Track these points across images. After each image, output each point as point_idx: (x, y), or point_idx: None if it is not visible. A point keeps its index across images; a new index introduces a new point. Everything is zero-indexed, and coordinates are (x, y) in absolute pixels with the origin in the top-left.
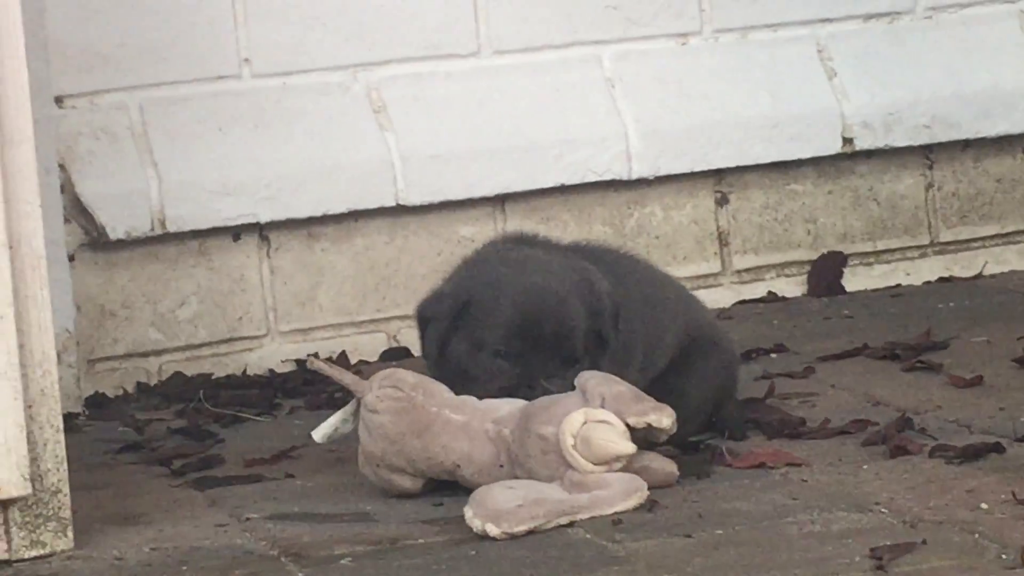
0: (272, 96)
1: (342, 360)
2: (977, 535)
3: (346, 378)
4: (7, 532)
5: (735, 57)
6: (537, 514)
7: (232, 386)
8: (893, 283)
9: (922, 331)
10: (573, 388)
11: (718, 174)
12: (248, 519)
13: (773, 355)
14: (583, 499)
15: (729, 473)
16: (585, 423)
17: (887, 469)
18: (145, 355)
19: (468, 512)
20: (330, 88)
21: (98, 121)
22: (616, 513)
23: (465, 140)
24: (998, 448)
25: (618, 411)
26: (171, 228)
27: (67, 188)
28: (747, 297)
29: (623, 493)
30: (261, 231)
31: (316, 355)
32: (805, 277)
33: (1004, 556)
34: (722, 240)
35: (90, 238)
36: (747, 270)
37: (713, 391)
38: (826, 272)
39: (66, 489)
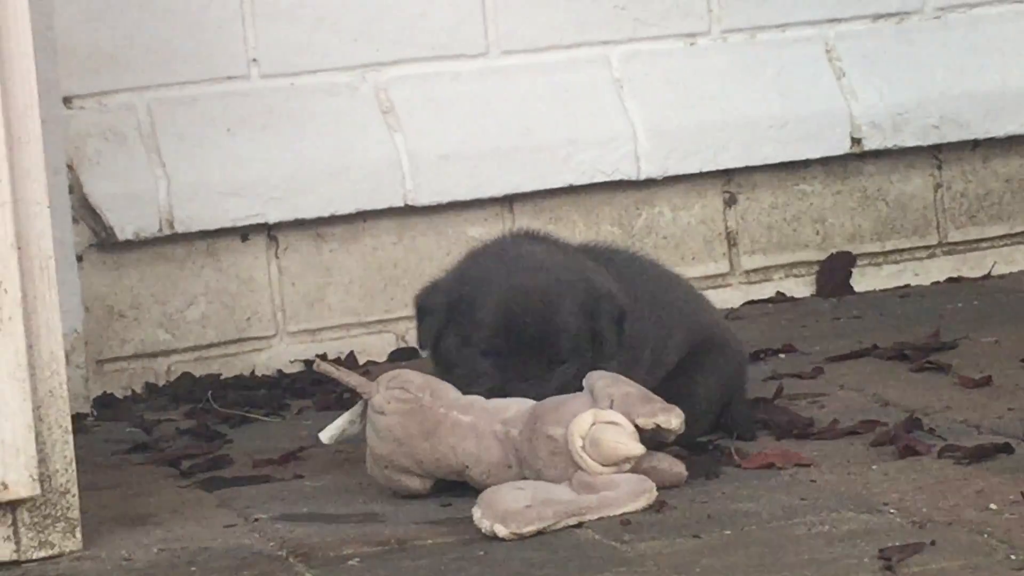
0: (280, 96)
1: (350, 360)
2: (986, 536)
3: (353, 380)
4: (16, 533)
5: (743, 57)
6: (546, 515)
7: (240, 387)
8: (902, 283)
9: (931, 331)
10: (554, 391)
11: (726, 174)
12: (257, 520)
13: (782, 355)
14: (592, 500)
15: (738, 474)
16: (594, 424)
17: (896, 470)
18: (153, 356)
19: (476, 512)
20: (338, 88)
21: (106, 122)
22: (625, 514)
23: (473, 140)
24: (1007, 449)
25: (627, 412)
26: (179, 229)
27: (75, 189)
28: (756, 297)
29: (632, 494)
30: (269, 231)
31: (324, 356)
32: (814, 277)
33: (1013, 557)
34: (731, 240)
35: (98, 239)
36: (756, 270)
37: (721, 391)
38: (835, 272)
39: (74, 490)
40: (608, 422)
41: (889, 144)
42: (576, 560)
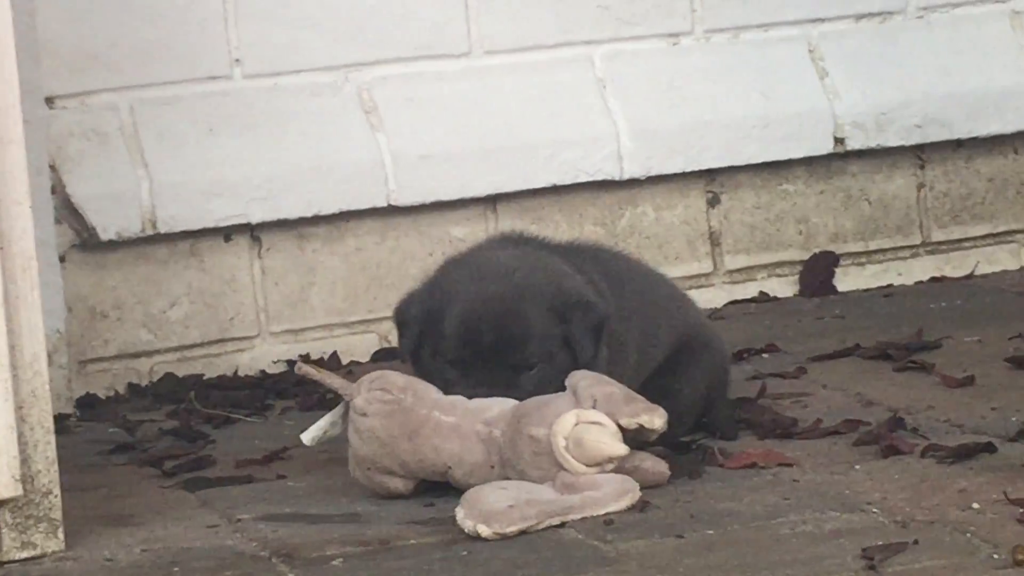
0: (263, 97)
1: (334, 361)
2: (969, 535)
3: (334, 381)
4: None
5: (726, 57)
6: (528, 515)
7: (223, 387)
8: (885, 283)
9: (914, 331)
10: (518, 398)
11: (709, 174)
12: (239, 520)
13: (765, 355)
14: (575, 500)
15: (721, 473)
16: (577, 424)
17: (879, 469)
18: (136, 356)
19: (460, 513)
20: (321, 88)
21: (89, 122)
22: (608, 514)
23: (456, 140)
24: (990, 448)
25: (610, 412)
26: (162, 229)
27: (58, 189)
28: (739, 297)
29: (615, 494)
30: (252, 232)
31: (307, 356)
32: (797, 277)
33: (995, 556)
34: (714, 240)
35: (81, 239)
36: (739, 270)
37: (705, 391)
38: (818, 272)
39: (57, 490)
40: (591, 422)
41: (872, 144)
42: (559, 560)
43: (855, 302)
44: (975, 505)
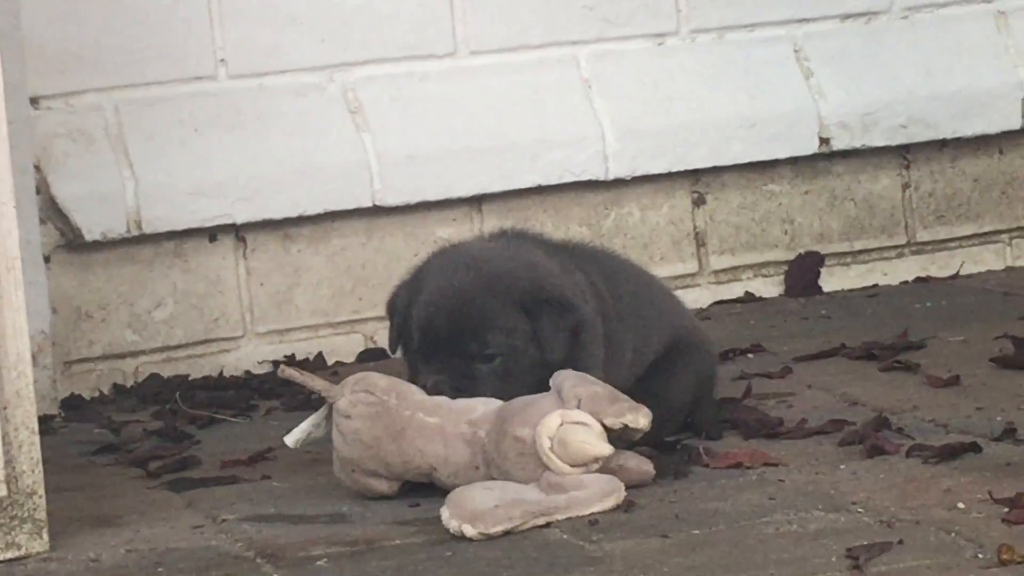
0: (248, 97)
1: (319, 361)
2: (954, 535)
3: (317, 384)
4: None
5: (712, 57)
6: (514, 515)
7: (208, 387)
8: (870, 283)
9: (899, 331)
10: (482, 387)
11: (695, 174)
12: (224, 520)
13: (750, 355)
14: (560, 500)
15: (706, 473)
16: (562, 425)
17: (864, 469)
18: (121, 356)
19: (445, 513)
20: (306, 89)
21: (74, 122)
22: (593, 514)
23: (442, 141)
24: (975, 448)
25: (594, 412)
26: (147, 229)
27: (42, 189)
28: (724, 297)
29: (600, 494)
30: (237, 232)
31: (292, 357)
32: (782, 277)
33: (980, 556)
34: (699, 240)
35: (66, 239)
36: (724, 270)
37: (692, 392)
38: (803, 272)
39: (41, 491)
40: (576, 422)
41: (857, 144)
42: (544, 560)
43: (840, 302)
44: (960, 505)
